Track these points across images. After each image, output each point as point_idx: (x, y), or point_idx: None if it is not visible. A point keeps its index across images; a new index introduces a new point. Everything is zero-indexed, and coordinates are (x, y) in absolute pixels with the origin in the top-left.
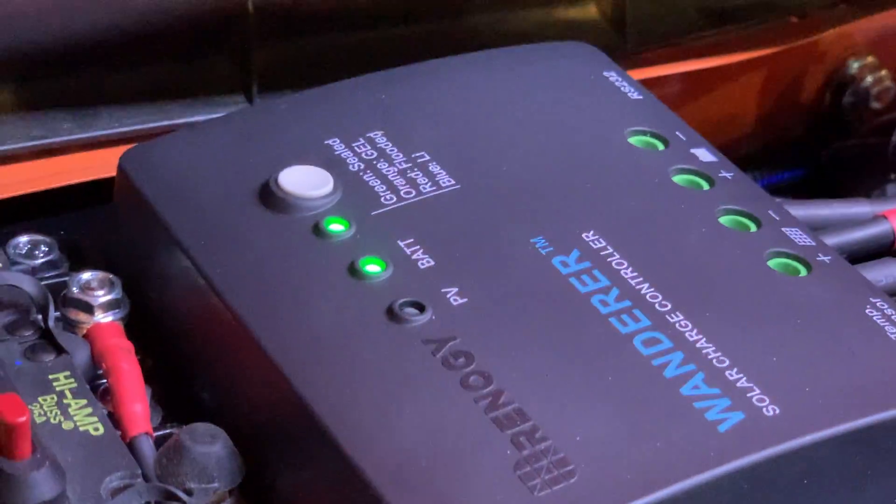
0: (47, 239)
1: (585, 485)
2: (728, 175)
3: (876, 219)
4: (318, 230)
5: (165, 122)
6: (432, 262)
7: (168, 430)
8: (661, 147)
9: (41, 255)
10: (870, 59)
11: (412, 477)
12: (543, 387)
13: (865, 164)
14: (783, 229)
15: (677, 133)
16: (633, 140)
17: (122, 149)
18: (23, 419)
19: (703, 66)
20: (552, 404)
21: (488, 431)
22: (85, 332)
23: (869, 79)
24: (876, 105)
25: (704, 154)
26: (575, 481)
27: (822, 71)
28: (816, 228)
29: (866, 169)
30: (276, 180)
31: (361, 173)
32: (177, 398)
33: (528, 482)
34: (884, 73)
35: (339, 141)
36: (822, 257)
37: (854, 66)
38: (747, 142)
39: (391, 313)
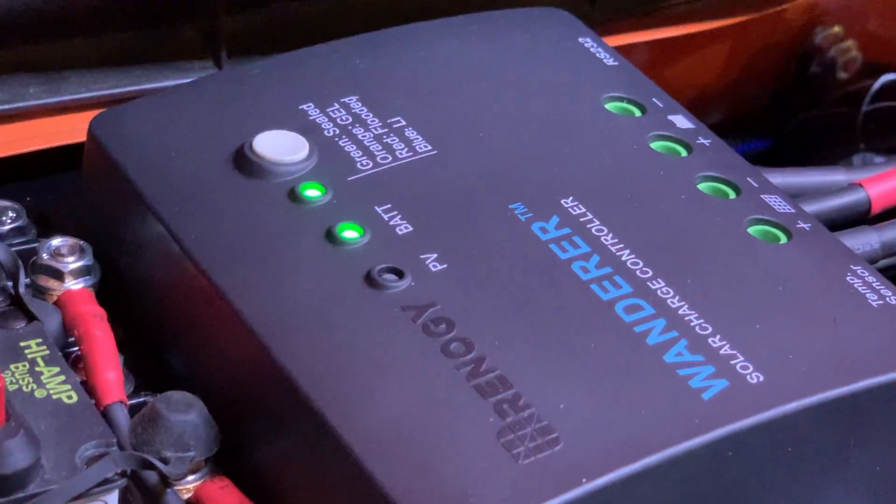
0: (15, 205)
1: (570, 452)
2: (706, 142)
3: (852, 187)
4: (293, 195)
5: (133, 88)
6: (410, 228)
7: (142, 399)
8: (638, 113)
9: (8, 221)
10: (836, 29)
11: (395, 445)
12: (525, 354)
13: (832, 135)
14: (762, 196)
15: (654, 100)
16: (609, 106)
17: (89, 114)
18: None
19: (670, 34)
20: (534, 372)
21: (471, 399)
22: (55, 299)
23: (835, 49)
24: (842, 75)
25: (682, 121)
26: (559, 449)
27: (789, 41)
28: (792, 197)
29: (832, 139)
30: (250, 145)
31: (337, 138)
32: (148, 366)
33: (511, 450)
34: (850, 43)
35: (313, 106)
36: (802, 224)
37: (820, 36)
38: (714, 111)
39: (370, 279)
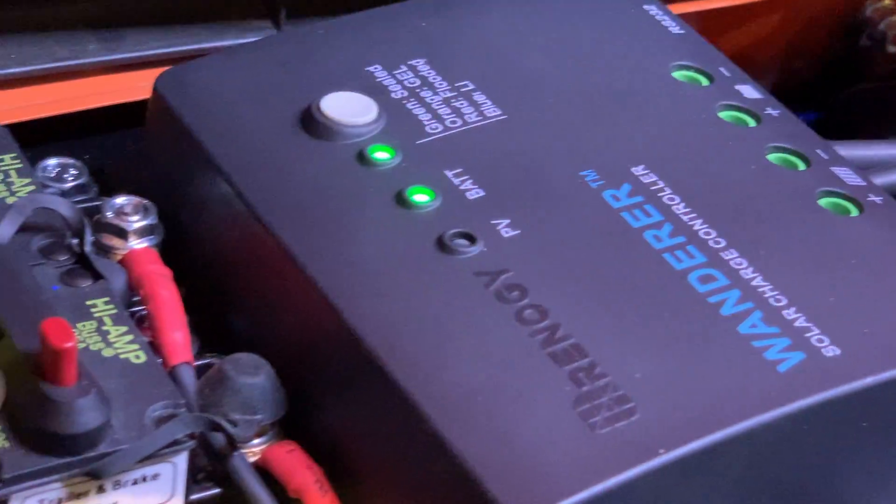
0: (77, 162)
1: (647, 422)
2: (775, 112)
3: None
4: (362, 158)
5: (192, 47)
6: (481, 193)
7: (207, 360)
8: (705, 82)
9: (70, 178)
10: (887, 2)
11: (469, 412)
12: (599, 322)
13: (880, 108)
14: (832, 168)
15: (721, 69)
16: (677, 75)
17: (147, 72)
18: (70, 344)
19: (719, 5)
20: (609, 340)
21: (546, 367)
22: (119, 258)
23: (885, 22)
24: (892, 49)
25: (749, 91)
26: (636, 419)
27: (839, 13)
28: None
29: (881, 113)
30: (318, 106)
31: (405, 101)
32: (212, 327)
33: (588, 419)
34: None
35: (380, 68)
36: (872, 198)
37: (871, 8)
38: (762, 83)
39: (441, 244)
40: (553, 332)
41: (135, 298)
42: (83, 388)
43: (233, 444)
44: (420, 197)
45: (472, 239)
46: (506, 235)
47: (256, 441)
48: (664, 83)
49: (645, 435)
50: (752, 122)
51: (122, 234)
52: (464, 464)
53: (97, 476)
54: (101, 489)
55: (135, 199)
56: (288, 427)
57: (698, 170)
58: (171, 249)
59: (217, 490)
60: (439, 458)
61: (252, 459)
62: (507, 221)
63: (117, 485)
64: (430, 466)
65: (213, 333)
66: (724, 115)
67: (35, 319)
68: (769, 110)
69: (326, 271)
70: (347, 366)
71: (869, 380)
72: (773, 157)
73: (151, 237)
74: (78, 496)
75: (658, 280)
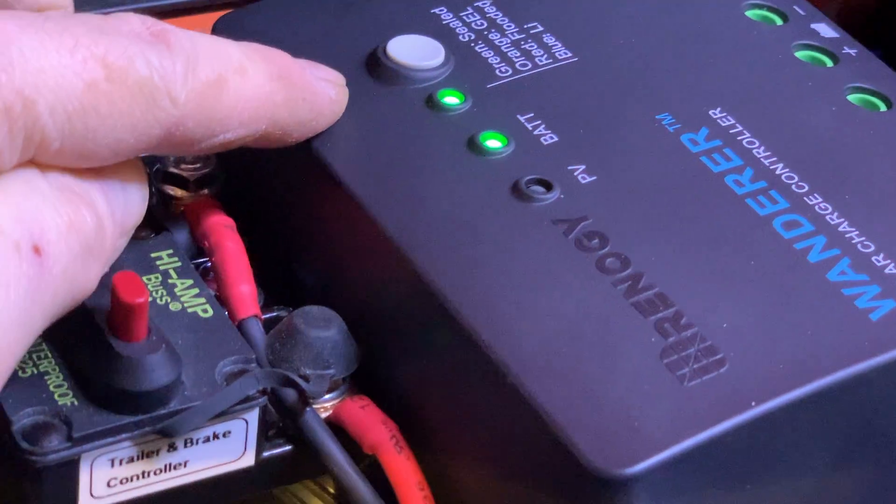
0: None
1: (737, 374)
2: (852, 52)
3: None
4: (431, 102)
5: None
6: (556, 138)
7: (274, 313)
8: (779, 22)
9: None
10: None
11: (552, 364)
12: (683, 271)
13: None
14: None
15: (795, 7)
16: (750, 14)
17: (203, 17)
18: (142, 299)
19: None
20: (693, 289)
21: (630, 317)
22: (180, 208)
23: None
24: None
25: (825, 29)
26: (726, 370)
27: None
28: None
29: None
30: (384, 50)
31: (473, 44)
32: (275, 279)
33: (676, 371)
34: None
35: (445, 10)
36: None
37: None
38: None
39: (517, 191)
40: (636, 281)
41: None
42: (153, 343)
43: (305, 400)
44: (493, 142)
45: (548, 185)
46: (583, 181)
47: (328, 396)
48: (738, 23)
49: (735, 387)
50: (829, 62)
51: (183, 183)
52: (547, 418)
53: (168, 434)
54: (172, 447)
55: None
56: (360, 382)
57: (777, 112)
58: (231, 199)
59: (289, 447)
60: (521, 413)
61: (324, 415)
62: (584, 167)
63: (189, 443)
64: (511, 422)
65: (277, 286)
66: (800, 54)
67: None
68: (846, 49)
69: (398, 220)
70: (422, 318)
71: None
72: (853, 97)
73: (212, 186)
74: (148, 455)
75: (741, 226)
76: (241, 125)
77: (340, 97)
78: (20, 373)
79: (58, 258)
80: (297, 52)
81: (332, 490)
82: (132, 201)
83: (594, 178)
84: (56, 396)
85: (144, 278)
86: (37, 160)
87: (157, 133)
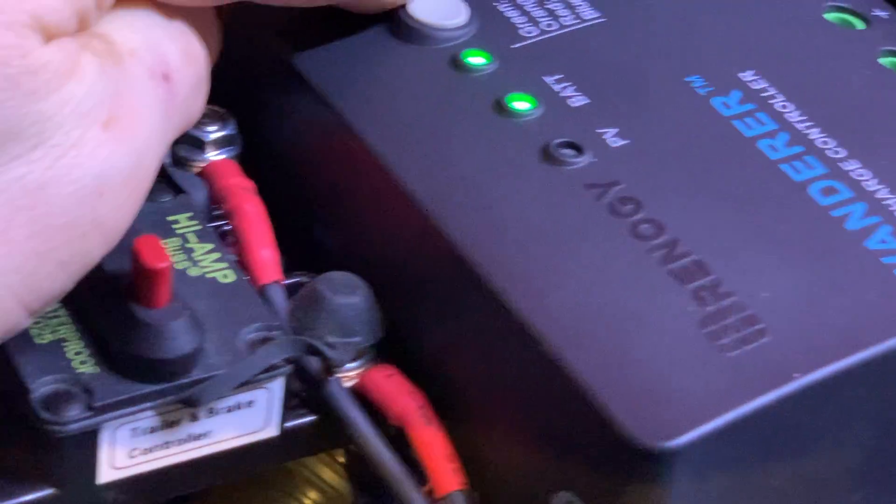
0: None
1: (778, 345)
2: (883, 14)
3: None
4: (456, 63)
5: None
6: (585, 101)
7: (296, 279)
8: None
9: None
10: None
11: (588, 335)
12: (719, 238)
13: None
14: None
15: None
16: None
17: None
18: (165, 264)
19: None
20: (731, 257)
21: (667, 285)
22: (198, 170)
23: None
24: None
25: None
26: (766, 341)
27: None
28: None
29: None
30: (406, 9)
31: (496, 3)
32: (295, 243)
33: (716, 341)
34: None
35: None
36: None
37: None
38: None
39: (546, 154)
40: (672, 247)
41: (216, 213)
42: (176, 310)
43: (329, 368)
44: (520, 104)
45: (578, 149)
46: (614, 145)
47: (352, 365)
48: None
49: (776, 358)
50: (860, 25)
51: (200, 144)
52: (585, 388)
53: (192, 404)
54: (194, 417)
55: (211, 108)
56: (384, 349)
57: (809, 75)
58: (249, 161)
59: (312, 417)
60: (557, 384)
61: (349, 384)
62: (615, 130)
63: (211, 412)
64: (545, 392)
65: (298, 249)
66: (830, 16)
67: None
68: (877, 11)
69: (423, 182)
70: (451, 285)
71: None
72: (885, 60)
73: (231, 147)
74: (170, 425)
75: (776, 192)
76: None
77: None
78: (38, 339)
79: (182, 85)
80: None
81: (341, 460)
82: (213, 52)
83: (626, 141)
84: (75, 364)
85: (162, 243)
86: None
87: None
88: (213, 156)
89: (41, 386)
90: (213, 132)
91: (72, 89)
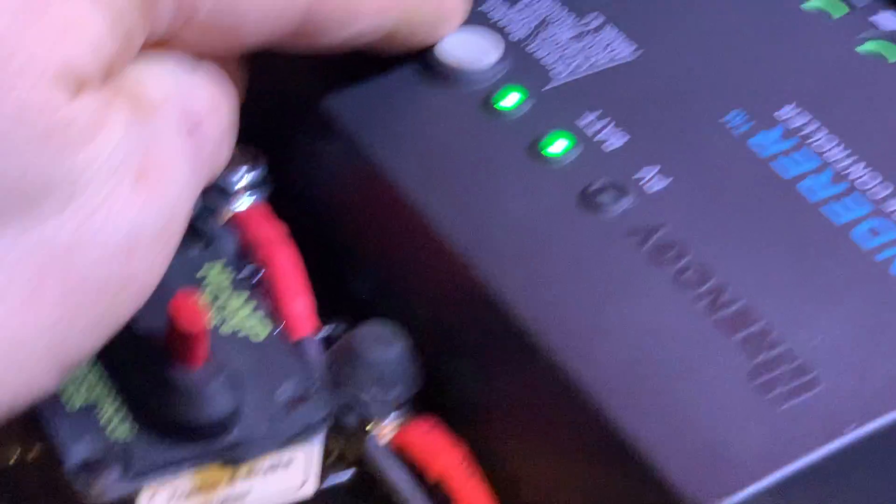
0: None
1: (832, 395)
2: None
3: None
4: (487, 105)
5: None
6: (623, 140)
7: (331, 329)
8: (836, 15)
9: None
10: None
11: (637, 389)
12: (766, 284)
13: None
14: None
15: None
16: (806, 7)
17: None
18: (202, 327)
19: None
20: (778, 304)
21: (714, 335)
22: (228, 217)
23: None
24: None
25: (889, 19)
26: (819, 391)
27: None
28: None
29: None
30: (435, 50)
31: (527, 42)
32: (329, 285)
33: (766, 394)
34: None
35: (499, 2)
36: None
37: None
38: None
39: (585, 199)
40: (718, 295)
41: (247, 264)
42: (212, 371)
43: (367, 424)
44: (555, 148)
45: (618, 193)
46: (654, 189)
47: (390, 417)
48: (795, 16)
49: (830, 409)
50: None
51: (228, 193)
52: (635, 445)
53: (231, 465)
54: (232, 478)
55: (242, 147)
56: (422, 397)
57: (848, 109)
58: (281, 199)
59: (349, 473)
60: (605, 439)
61: (386, 437)
62: (655, 170)
63: (250, 473)
64: (593, 448)
65: (333, 290)
66: (862, 49)
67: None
68: None
69: (462, 231)
70: (489, 335)
71: None
72: None
73: (260, 190)
74: (209, 486)
75: (819, 237)
76: (376, 13)
77: (465, 3)
78: (69, 405)
79: (209, 136)
80: None
81: None
82: (240, 96)
83: (664, 185)
84: (110, 428)
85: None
86: (182, 36)
87: (298, 10)
88: (244, 200)
89: (76, 454)
90: (242, 177)
91: (101, 145)
